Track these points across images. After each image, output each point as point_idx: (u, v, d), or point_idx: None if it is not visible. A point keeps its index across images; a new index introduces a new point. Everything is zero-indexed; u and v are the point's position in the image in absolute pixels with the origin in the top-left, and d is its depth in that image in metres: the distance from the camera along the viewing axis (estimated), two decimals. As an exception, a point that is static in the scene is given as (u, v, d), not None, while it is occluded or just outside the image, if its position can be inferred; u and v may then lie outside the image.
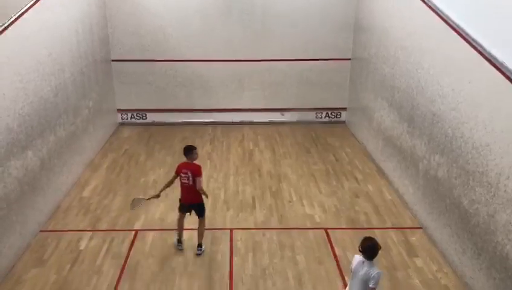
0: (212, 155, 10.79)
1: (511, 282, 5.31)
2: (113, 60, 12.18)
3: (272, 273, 6.61)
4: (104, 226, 7.78)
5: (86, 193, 8.90)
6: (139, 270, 6.65)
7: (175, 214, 8.12)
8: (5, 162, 6.56)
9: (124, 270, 6.63)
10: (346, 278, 6.47)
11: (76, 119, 9.46)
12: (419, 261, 6.86)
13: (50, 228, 7.70)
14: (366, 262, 4.75)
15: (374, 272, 4.69)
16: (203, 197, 6.89)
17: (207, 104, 12.80)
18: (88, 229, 7.68)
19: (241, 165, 10.26)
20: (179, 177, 6.85)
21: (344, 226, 7.82)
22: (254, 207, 8.45)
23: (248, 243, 7.30)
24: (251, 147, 11.32)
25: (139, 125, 12.73)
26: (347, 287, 5.03)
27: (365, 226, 7.83)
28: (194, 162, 6.81)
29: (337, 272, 6.63)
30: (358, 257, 4.91)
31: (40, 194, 7.64)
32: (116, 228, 7.73)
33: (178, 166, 6.85)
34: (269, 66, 12.51)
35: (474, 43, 6.23)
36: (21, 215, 6.96)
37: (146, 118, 12.84)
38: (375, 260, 4.78)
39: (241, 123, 12.86)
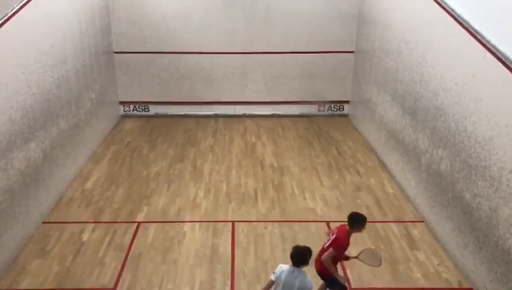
0: (214, 148, 10.79)
1: (513, 276, 5.32)
2: (115, 52, 12.15)
3: (273, 265, 6.61)
4: (106, 218, 7.81)
5: (88, 185, 8.93)
6: (141, 262, 6.69)
7: (176, 206, 8.17)
8: (8, 153, 6.58)
9: (126, 262, 6.66)
10: (347, 271, 6.49)
11: (79, 111, 9.47)
12: (420, 255, 6.87)
13: (52, 220, 7.73)
14: (297, 271, 4.69)
15: (309, 281, 4.65)
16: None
17: (209, 97, 12.78)
18: (90, 221, 7.72)
19: (244, 158, 10.26)
20: None
21: (346, 220, 7.81)
22: (256, 200, 8.46)
23: (250, 236, 7.32)
24: (253, 140, 11.32)
25: (142, 117, 12.74)
26: None
27: (367, 219, 7.81)
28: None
29: (339, 265, 6.62)
30: (284, 267, 4.78)
31: (43, 186, 7.67)
32: (119, 220, 7.76)
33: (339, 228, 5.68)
34: (272, 58, 12.47)
35: (478, 36, 6.18)
36: (24, 206, 6.99)
37: (148, 110, 12.83)
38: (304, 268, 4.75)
39: (244, 116, 12.85)
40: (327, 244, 5.51)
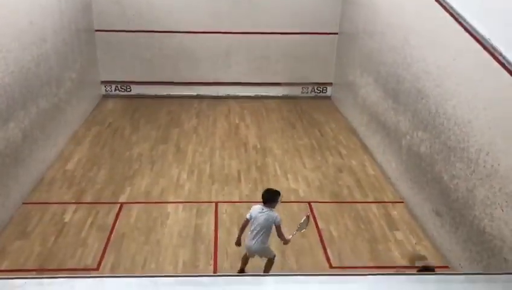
0: (198, 129, 10.75)
1: (487, 255, 5.50)
2: (96, 30, 11.89)
3: (256, 245, 6.71)
4: (88, 199, 7.77)
5: (70, 166, 8.83)
6: (125, 242, 6.70)
7: (159, 187, 8.17)
8: (-14, 133, 6.45)
9: (109, 243, 6.67)
10: (328, 250, 6.63)
11: (59, 91, 9.29)
12: (399, 235, 7.04)
13: (34, 200, 7.66)
14: (266, 208, 5.58)
15: (276, 215, 5.59)
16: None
17: (193, 77, 12.66)
18: (72, 201, 7.67)
19: (227, 140, 10.26)
20: None
21: (327, 200, 7.95)
22: (239, 181, 8.51)
23: (233, 216, 7.38)
24: (237, 121, 11.31)
25: (124, 97, 12.57)
26: (248, 237, 5.73)
27: (348, 199, 7.97)
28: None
29: (320, 245, 6.77)
30: (256, 206, 5.69)
31: (23, 167, 7.56)
32: (101, 201, 7.72)
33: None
34: (256, 38, 12.37)
35: (460, 20, 6.24)
36: (3, 187, 6.90)
37: (130, 91, 12.66)
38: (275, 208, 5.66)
39: (227, 97, 12.80)
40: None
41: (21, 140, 7.51)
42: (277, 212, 5.68)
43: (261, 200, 5.68)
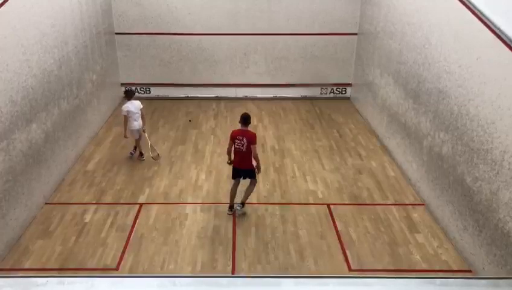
0: (215, 130, 10.78)
1: None
2: (116, 33, 12.06)
3: (274, 247, 6.70)
4: (108, 199, 7.86)
5: (90, 167, 8.96)
6: (143, 243, 6.75)
7: (178, 188, 8.22)
8: (10, 135, 6.59)
9: (129, 243, 6.73)
10: (347, 252, 6.55)
11: (80, 93, 9.45)
12: (420, 237, 6.92)
13: (55, 201, 7.79)
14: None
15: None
16: (256, 169, 7.29)
17: (211, 79, 12.72)
18: (93, 202, 7.77)
19: (245, 141, 10.24)
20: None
21: (346, 202, 7.87)
22: (258, 182, 8.47)
23: (251, 218, 7.37)
24: (255, 123, 11.29)
25: (143, 99, 12.55)
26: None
27: (367, 202, 7.87)
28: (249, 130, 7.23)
29: (339, 246, 6.70)
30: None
31: (45, 167, 7.70)
32: (121, 201, 7.81)
33: (233, 132, 7.22)
34: (274, 40, 12.36)
35: (484, 18, 6.10)
36: (26, 187, 7.04)
37: (150, 92, 12.79)
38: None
39: (245, 98, 12.80)
40: (244, 146, 7.04)
41: (43, 141, 7.66)
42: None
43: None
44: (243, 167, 7.25)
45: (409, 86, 8.56)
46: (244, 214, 7.40)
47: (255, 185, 7.47)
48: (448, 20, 7.12)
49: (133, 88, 9.18)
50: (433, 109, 7.54)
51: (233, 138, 7.12)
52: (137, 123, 8.95)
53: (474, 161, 6.23)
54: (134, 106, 8.88)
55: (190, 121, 8.73)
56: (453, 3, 6.87)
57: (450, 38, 7.05)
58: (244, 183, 7.48)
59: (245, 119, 7.11)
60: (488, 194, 5.88)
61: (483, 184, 6.00)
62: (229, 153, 7.40)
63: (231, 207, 7.45)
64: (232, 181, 7.49)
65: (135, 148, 9.35)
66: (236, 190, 7.45)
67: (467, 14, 6.48)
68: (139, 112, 8.93)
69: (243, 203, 7.42)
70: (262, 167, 8.99)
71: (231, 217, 7.37)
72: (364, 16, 11.59)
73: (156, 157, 9.12)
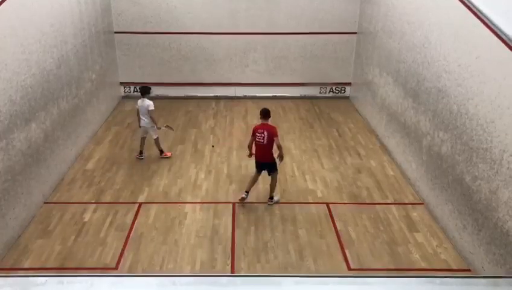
0: (215, 130, 10.78)
1: (511, 258, 5.36)
2: (116, 32, 12.05)
3: (273, 246, 6.70)
4: (107, 199, 7.86)
5: (89, 166, 8.96)
6: (143, 242, 6.75)
7: (177, 188, 8.21)
8: (9, 134, 6.58)
9: (128, 242, 6.73)
10: (346, 252, 6.56)
11: (79, 92, 9.44)
12: (419, 237, 6.92)
13: (54, 200, 7.78)
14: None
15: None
16: (278, 159, 7.51)
17: (210, 78, 12.71)
18: (92, 201, 7.77)
19: (245, 140, 10.21)
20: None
21: (346, 201, 7.87)
22: (257, 181, 8.47)
23: (250, 217, 7.37)
24: (254, 122, 11.25)
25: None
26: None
27: (367, 201, 7.87)
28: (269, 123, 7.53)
29: (338, 245, 6.71)
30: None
31: (44, 166, 7.70)
32: (120, 201, 7.81)
33: (254, 127, 7.57)
34: (274, 39, 12.35)
35: (483, 18, 6.10)
36: (26, 187, 7.03)
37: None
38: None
39: (245, 98, 12.80)
40: (265, 139, 7.34)
41: (43, 140, 7.65)
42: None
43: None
44: (265, 160, 7.54)
45: (409, 85, 8.56)
46: (277, 202, 7.74)
47: (276, 177, 7.70)
48: (448, 19, 7.12)
49: (149, 87, 9.32)
50: (432, 108, 7.54)
51: (255, 132, 7.47)
52: (143, 121, 9.04)
53: (473, 160, 6.23)
54: (143, 104, 8.94)
55: (213, 146, 8.72)
56: (453, 2, 6.87)
57: (449, 38, 7.05)
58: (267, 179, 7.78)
59: (265, 113, 7.46)
60: (487, 193, 5.88)
61: (482, 183, 6.00)
62: (249, 147, 7.67)
63: (246, 192, 7.64)
64: (255, 171, 7.73)
65: (141, 152, 9.32)
66: (257, 179, 7.71)
67: (467, 13, 6.48)
68: (146, 112, 8.95)
69: (271, 197, 7.70)
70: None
71: (230, 216, 7.37)
72: (364, 15, 11.58)
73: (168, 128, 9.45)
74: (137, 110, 9.07)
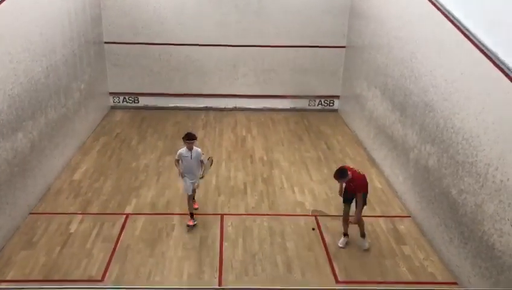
0: (204, 141, 10.77)
1: (496, 271, 5.41)
2: (105, 42, 12.03)
3: (261, 258, 6.67)
4: (94, 210, 7.77)
5: (76, 176, 8.87)
6: (129, 254, 6.67)
7: (165, 199, 8.16)
8: (-5, 143, 6.49)
9: (114, 254, 6.64)
10: (334, 264, 6.55)
11: (67, 102, 9.37)
12: (407, 249, 6.95)
13: (40, 211, 7.67)
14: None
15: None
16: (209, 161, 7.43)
17: (200, 89, 12.73)
18: (78, 212, 7.67)
19: (234, 151, 10.26)
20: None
21: (334, 214, 7.89)
22: (245, 193, 8.47)
23: (238, 229, 7.34)
24: (244, 134, 11.31)
25: (131, 109, 12.65)
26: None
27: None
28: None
29: (326, 258, 6.70)
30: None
31: (30, 177, 7.60)
32: (107, 212, 7.72)
33: (347, 182, 6.88)
34: (263, 52, 12.44)
35: (468, 34, 6.23)
36: (11, 197, 6.92)
37: (138, 102, 12.74)
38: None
39: (234, 109, 12.83)
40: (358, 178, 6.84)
41: (29, 150, 7.56)
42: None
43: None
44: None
45: (396, 98, 8.66)
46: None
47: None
48: (434, 35, 7.25)
49: (193, 133, 7.32)
50: (419, 122, 7.63)
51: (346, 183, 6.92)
52: (193, 176, 7.13)
53: (459, 174, 6.31)
54: (197, 154, 7.07)
55: (313, 229, 7.53)
56: (438, 19, 7.01)
57: (435, 53, 7.17)
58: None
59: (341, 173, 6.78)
60: (473, 206, 5.95)
61: (468, 197, 6.07)
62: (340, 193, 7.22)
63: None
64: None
65: (192, 215, 7.29)
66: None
67: (452, 30, 6.61)
68: (199, 163, 7.18)
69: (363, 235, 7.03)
70: (250, 178, 9.02)
71: (218, 228, 7.33)
72: (353, 30, 11.74)
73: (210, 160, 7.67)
74: (178, 160, 7.15)
